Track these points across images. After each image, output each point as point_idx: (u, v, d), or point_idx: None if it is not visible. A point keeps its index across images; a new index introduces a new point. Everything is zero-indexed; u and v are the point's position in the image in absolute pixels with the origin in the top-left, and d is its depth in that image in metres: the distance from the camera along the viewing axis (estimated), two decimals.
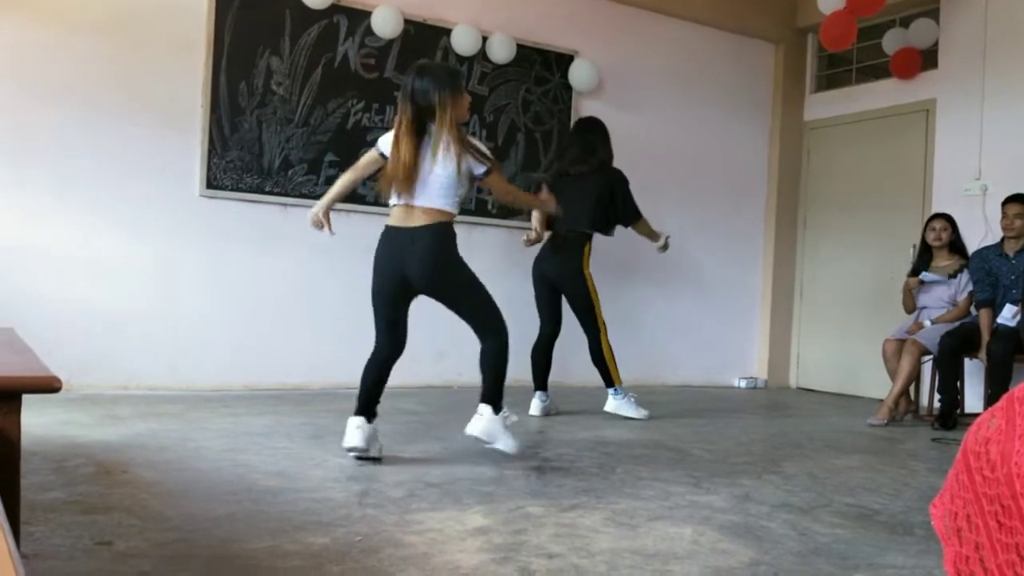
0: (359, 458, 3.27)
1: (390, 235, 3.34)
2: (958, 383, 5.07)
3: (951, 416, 4.93)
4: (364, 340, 5.42)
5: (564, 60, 6.14)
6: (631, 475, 3.28)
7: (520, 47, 5.90)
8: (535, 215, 4.84)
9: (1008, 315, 4.88)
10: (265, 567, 2.05)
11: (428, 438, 3.84)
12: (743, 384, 6.91)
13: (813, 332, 7.01)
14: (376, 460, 3.29)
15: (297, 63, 5.28)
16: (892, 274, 6.20)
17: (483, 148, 3.39)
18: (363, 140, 5.49)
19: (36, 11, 4.63)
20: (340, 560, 2.12)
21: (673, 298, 6.65)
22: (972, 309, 5.20)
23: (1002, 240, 5.09)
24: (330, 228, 3.48)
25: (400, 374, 5.41)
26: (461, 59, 5.76)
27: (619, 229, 4.99)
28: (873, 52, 6.63)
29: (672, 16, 6.58)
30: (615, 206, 4.80)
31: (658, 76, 6.58)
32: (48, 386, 1.59)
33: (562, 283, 4.81)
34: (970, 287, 5.18)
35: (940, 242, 5.29)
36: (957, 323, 5.16)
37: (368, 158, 3.50)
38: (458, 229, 3.43)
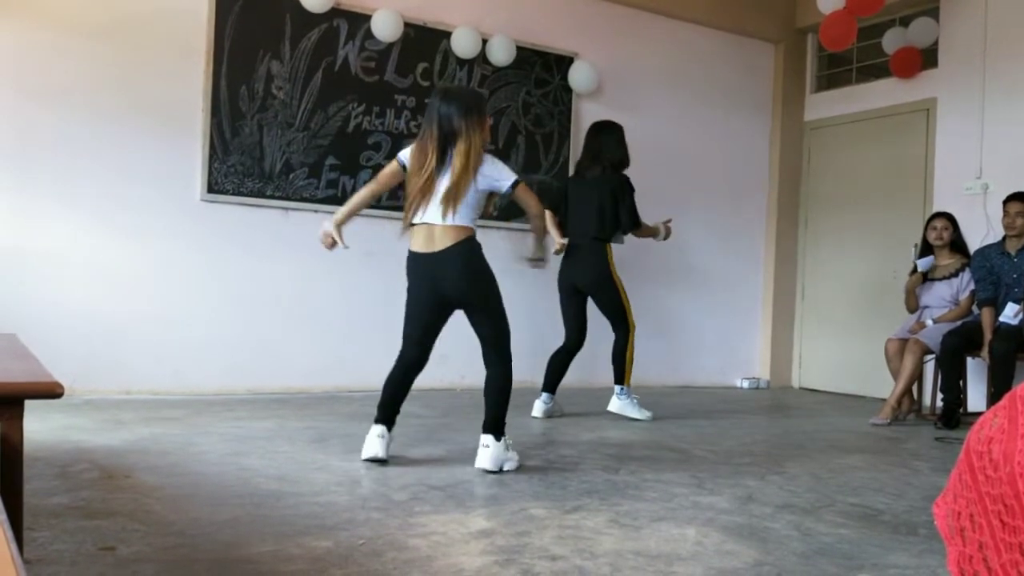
0: (371, 460, 3.30)
1: (419, 261, 3.35)
2: (960, 382, 5.06)
3: (954, 415, 4.93)
4: (366, 343, 5.46)
5: (564, 62, 6.15)
6: (634, 476, 3.28)
7: (520, 49, 5.90)
8: (551, 223, 4.78)
9: (1010, 313, 4.87)
10: (268, 571, 2.05)
11: (431, 441, 3.84)
12: (745, 384, 6.90)
13: (815, 332, 7.01)
14: (383, 462, 3.30)
15: (297, 67, 5.28)
16: (894, 273, 6.20)
17: (507, 167, 3.41)
18: (364, 143, 5.50)
19: (37, 16, 4.64)
20: (343, 564, 2.12)
21: (674, 299, 6.65)
22: (974, 308, 5.19)
23: (1004, 239, 5.08)
24: (342, 242, 3.42)
25: None
26: (461, 62, 5.76)
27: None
28: (873, 52, 6.63)
29: (672, 17, 6.58)
30: (618, 212, 4.77)
31: (658, 77, 6.58)
32: (50, 392, 1.59)
33: (592, 289, 4.81)
34: (972, 286, 5.17)
35: (941, 241, 5.29)
36: (959, 322, 5.16)
37: (389, 170, 3.51)
38: None
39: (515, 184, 3.36)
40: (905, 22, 6.35)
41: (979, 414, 1.72)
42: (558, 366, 4.85)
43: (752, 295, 7.10)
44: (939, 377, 5.19)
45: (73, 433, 3.63)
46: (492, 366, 3.37)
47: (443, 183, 3.27)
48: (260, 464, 3.20)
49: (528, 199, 3.44)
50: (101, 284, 4.79)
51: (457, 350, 5.15)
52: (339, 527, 2.42)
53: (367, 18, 5.43)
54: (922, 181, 6.22)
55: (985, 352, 4.92)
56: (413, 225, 3.35)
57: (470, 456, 3.45)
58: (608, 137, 4.84)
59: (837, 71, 7.05)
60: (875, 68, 6.69)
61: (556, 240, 4.73)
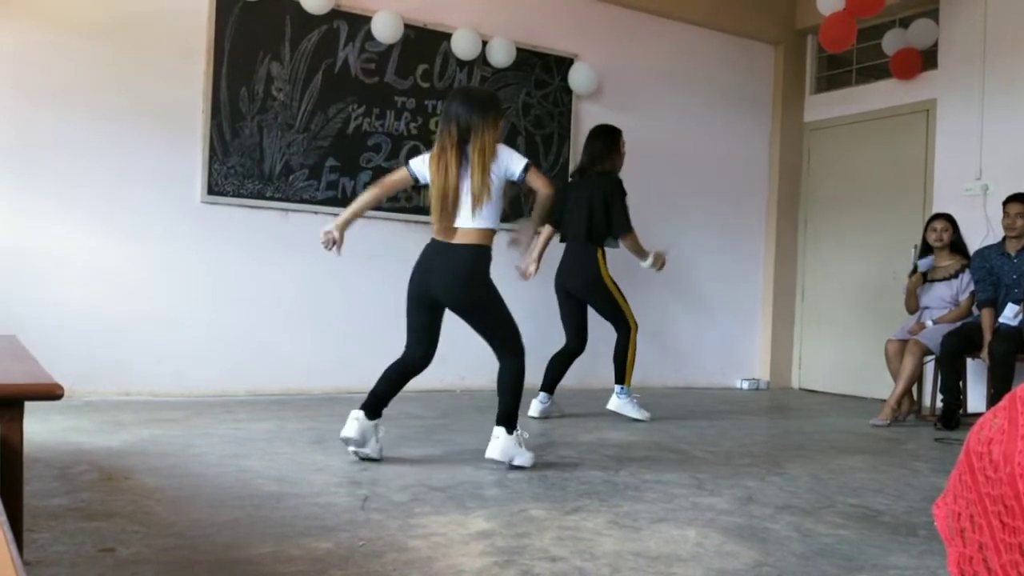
0: (357, 454, 3.33)
1: (426, 250, 3.44)
2: (960, 383, 5.06)
3: (954, 416, 4.93)
4: (366, 345, 5.46)
5: (564, 63, 6.15)
6: (634, 477, 3.28)
7: (520, 51, 5.91)
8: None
9: (1010, 314, 4.88)
10: (268, 572, 2.05)
11: (431, 442, 3.84)
12: (745, 385, 6.91)
13: (815, 333, 7.01)
14: (375, 460, 3.33)
15: (297, 68, 5.29)
16: (893, 274, 6.20)
17: (516, 152, 3.44)
18: (364, 145, 5.50)
19: (37, 16, 4.64)
20: (343, 565, 2.12)
21: (674, 299, 6.65)
22: (974, 309, 5.20)
23: (1003, 240, 5.09)
24: (341, 247, 3.45)
25: None
26: (461, 63, 5.77)
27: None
28: (873, 53, 6.63)
29: (671, 19, 6.59)
30: (609, 215, 4.72)
31: (658, 79, 6.58)
32: (50, 393, 1.59)
33: (583, 293, 4.80)
34: (971, 287, 5.17)
35: (941, 242, 5.29)
36: (959, 323, 5.16)
37: (398, 177, 3.54)
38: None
39: (527, 168, 3.39)
40: (905, 23, 6.35)
41: (979, 415, 1.72)
42: (558, 367, 4.85)
43: (752, 295, 7.10)
44: (939, 378, 5.19)
45: (73, 434, 3.63)
46: (502, 360, 3.43)
47: (466, 184, 3.33)
48: (260, 465, 3.20)
49: (538, 181, 3.45)
50: (101, 285, 4.79)
51: (457, 351, 5.14)
52: (339, 528, 2.42)
53: (367, 20, 5.43)
54: (922, 182, 6.22)
55: (985, 353, 4.92)
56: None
57: (470, 457, 3.46)
58: (604, 143, 4.84)
59: (837, 72, 7.05)
60: (875, 69, 6.69)
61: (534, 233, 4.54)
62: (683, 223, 6.65)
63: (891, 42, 6.31)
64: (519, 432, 3.39)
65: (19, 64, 4.60)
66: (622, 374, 4.82)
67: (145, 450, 3.39)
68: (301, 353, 5.30)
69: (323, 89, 5.36)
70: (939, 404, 5.14)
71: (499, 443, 3.33)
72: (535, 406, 4.78)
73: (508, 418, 3.37)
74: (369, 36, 5.46)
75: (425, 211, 5.52)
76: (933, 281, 5.34)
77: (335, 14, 5.35)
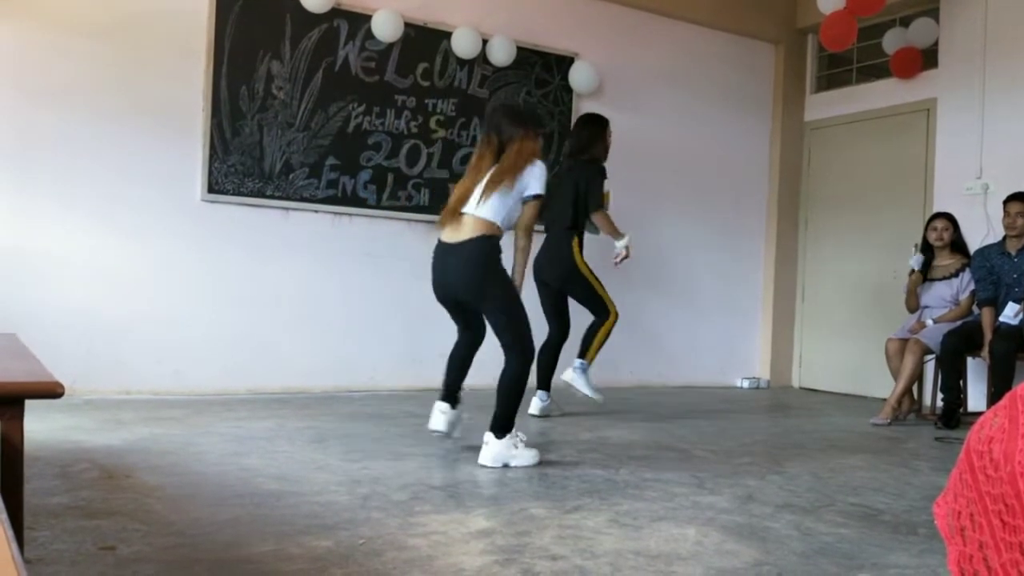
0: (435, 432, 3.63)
1: (437, 252, 3.52)
2: (961, 382, 5.06)
3: (954, 415, 4.93)
4: (366, 344, 5.47)
5: (564, 62, 6.14)
6: (634, 476, 3.28)
7: (520, 49, 5.90)
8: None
9: (1010, 313, 4.87)
10: (269, 571, 2.05)
11: (431, 441, 3.84)
12: (745, 384, 6.90)
13: (815, 332, 7.01)
14: (446, 436, 3.65)
15: (298, 67, 5.29)
16: (894, 273, 6.20)
17: (543, 180, 3.51)
18: (364, 144, 5.50)
19: (37, 16, 4.64)
20: (344, 563, 2.12)
21: (675, 299, 6.65)
22: (974, 308, 5.19)
23: (1004, 239, 5.08)
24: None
25: (403, 376, 5.44)
26: (461, 62, 5.77)
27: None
28: (873, 52, 6.63)
29: (672, 17, 6.58)
30: (588, 200, 4.68)
31: (658, 77, 6.58)
32: (51, 391, 1.59)
33: (559, 283, 4.78)
34: (972, 286, 5.17)
35: (942, 242, 5.29)
36: (959, 322, 5.16)
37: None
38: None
39: (535, 197, 3.48)
40: (905, 22, 6.35)
41: (979, 414, 1.72)
42: (547, 360, 4.82)
43: (752, 295, 7.10)
44: (939, 377, 5.19)
45: (73, 433, 3.63)
46: (507, 359, 3.44)
47: (486, 177, 3.45)
48: (260, 464, 3.20)
49: (529, 214, 3.51)
50: (101, 284, 4.79)
51: None
52: (339, 526, 2.42)
53: (367, 18, 5.43)
54: (922, 181, 6.22)
55: (985, 352, 4.92)
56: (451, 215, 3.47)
57: (470, 456, 3.46)
58: (590, 131, 4.82)
59: (837, 71, 7.05)
60: (875, 68, 6.69)
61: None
62: (682, 221, 6.65)
63: (891, 41, 6.30)
64: (516, 435, 3.38)
65: (19, 64, 4.60)
66: (587, 349, 4.74)
67: (146, 448, 3.39)
68: (301, 352, 5.30)
69: (323, 88, 5.36)
70: (939, 403, 5.14)
71: (489, 449, 3.34)
72: (535, 404, 4.78)
73: (498, 422, 3.36)
74: (369, 35, 5.46)
75: (426, 210, 5.58)
76: (933, 280, 5.34)
77: (335, 13, 5.35)
